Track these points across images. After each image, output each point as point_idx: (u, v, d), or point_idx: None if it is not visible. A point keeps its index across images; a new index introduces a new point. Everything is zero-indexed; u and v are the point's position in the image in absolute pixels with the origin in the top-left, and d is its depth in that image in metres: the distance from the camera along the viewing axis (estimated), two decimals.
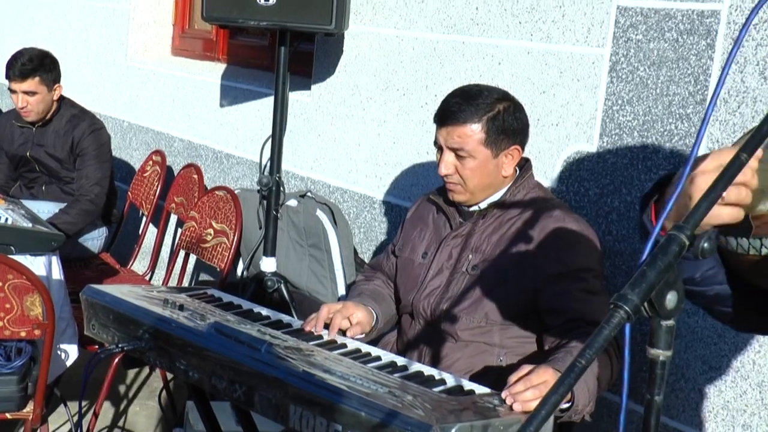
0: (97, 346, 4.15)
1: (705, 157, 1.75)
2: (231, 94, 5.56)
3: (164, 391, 4.86)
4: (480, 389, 2.60)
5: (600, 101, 3.53)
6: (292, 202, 4.58)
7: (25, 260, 3.80)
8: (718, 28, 3.16)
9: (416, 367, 2.79)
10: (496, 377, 2.89)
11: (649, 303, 1.53)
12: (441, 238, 3.21)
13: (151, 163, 5.78)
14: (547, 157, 3.72)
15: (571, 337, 2.84)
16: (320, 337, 3.03)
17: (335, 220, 4.45)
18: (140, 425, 4.83)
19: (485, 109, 3.03)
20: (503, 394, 2.48)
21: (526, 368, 2.55)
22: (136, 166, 6.21)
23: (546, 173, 3.71)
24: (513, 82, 3.82)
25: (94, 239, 5.42)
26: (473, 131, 3.02)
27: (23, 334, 3.51)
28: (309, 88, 4.97)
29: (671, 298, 1.55)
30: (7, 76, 5.21)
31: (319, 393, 2.39)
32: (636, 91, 3.41)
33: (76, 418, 4.07)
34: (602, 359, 2.77)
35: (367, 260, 4.51)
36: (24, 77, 5.14)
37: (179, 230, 5.47)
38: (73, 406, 4.01)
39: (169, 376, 4.82)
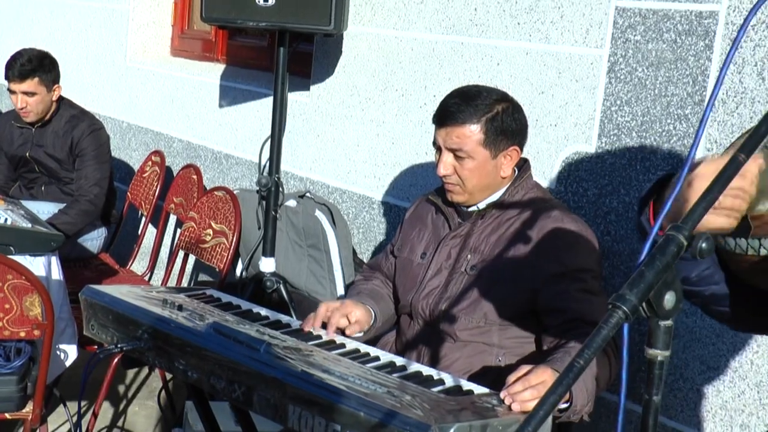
0: (96, 346, 4.15)
1: (702, 161, 1.75)
2: (230, 95, 5.56)
3: (163, 391, 4.86)
4: (478, 389, 2.60)
5: (598, 102, 3.53)
6: (291, 203, 4.59)
7: (25, 260, 3.81)
8: (716, 28, 3.17)
9: (415, 367, 2.80)
10: (494, 377, 2.89)
11: (647, 303, 1.54)
12: (440, 238, 3.22)
13: (150, 163, 5.78)
14: (546, 157, 3.73)
15: (569, 337, 2.84)
16: (319, 337, 3.04)
17: (334, 220, 4.45)
18: (139, 425, 4.83)
19: (484, 110, 3.03)
20: (502, 394, 2.48)
21: (524, 368, 2.55)
22: (136, 167, 6.22)
23: (544, 174, 3.72)
24: (511, 82, 3.83)
25: (94, 239, 5.42)
26: (472, 132, 3.02)
27: (22, 334, 3.52)
28: (308, 89, 4.97)
29: (669, 299, 1.56)
30: (7, 77, 5.22)
31: (317, 393, 2.40)
32: (634, 92, 3.41)
33: (75, 418, 4.08)
34: (601, 359, 2.77)
35: (366, 261, 4.51)
36: (23, 78, 5.14)
37: (178, 230, 5.47)
38: (73, 406, 4.01)
39: (168, 376, 4.82)
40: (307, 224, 4.49)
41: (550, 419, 2.42)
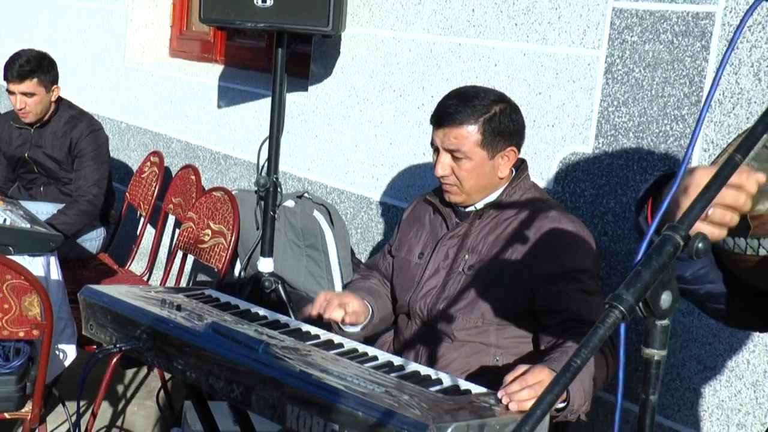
0: (95, 346, 4.16)
1: (695, 169, 1.75)
2: (228, 96, 5.57)
3: (162, 391, 4.86)
4: (476, 389, 2.61)
5: (595, 102, 3.54)
6: (290, 203, 4.59)
7: (24, 261, 3.82)
8: (712, 29, 3.18)
9: (413, 366, 2.80)
10: (492, 377, 2.90)
11: (644, 303, 1.54)
12: (437, 238, 3.23)
13: (149, 164, 5.79)
14: (543, 158, 3.74)
15: (566, 337, 2.85)
16: (317, 336, 3.04)
17: (332, 220, 4.46)
18: (138, 425, 4.84)
19: (481, 111, 3.04)
20: (499, 394, 2.48)
21: (522, 368, 2.55)
22: (134, 167, 6.22)
23: (542, 174, 3.72)
24: (509, 83, 3.84)
25: (93, 240, 5.43)
26: (469, 133, 3.03)
27: (21, 334, 3.53)
28: (306, 90, 4.98)
29: (666, 298, 1.56)
30: (5, 78, 5.22)
31: (316, 393, 2.40)
32: (631, 93, 3.42)
33: (74, 418, 4.09)
34: (598, 359, 2.78)
35: (364, 261, 4.51)
36: (22, 78, 5.15)
37: (177, 231, 5.48)
38: (72, 405, 4.02)
39: (167, 376, 4.83)
40: (305, 224, 4.50)
41: (547, 419, 2.43)
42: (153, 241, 5.54)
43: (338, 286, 4.35)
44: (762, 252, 1.85)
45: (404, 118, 4.38)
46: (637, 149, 3.41)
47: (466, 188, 3.09)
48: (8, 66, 5.21)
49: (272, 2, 4.27)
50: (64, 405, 4.21)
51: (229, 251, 4.61)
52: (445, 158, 3.08)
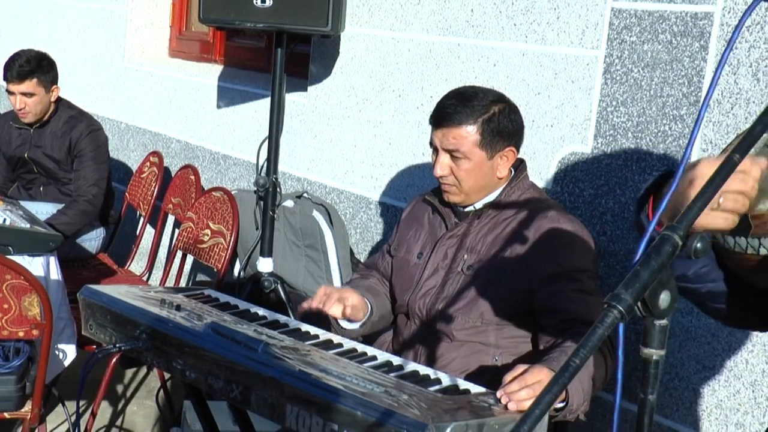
0: (94, 346, 4.16)
1: (698, 162, 1.76)
2: (228, 96, 5.57)
3: (162, 391, 4.86)
4: (475, 389, 2.61)
5: (594, 102, 3.54)
6: (289, 203, 4.60)
7: (23, 261, 3.82)
8: (711, 30, 3.18)
9: (412, 366, 2.80)
10: (491, 377, 2.90)
11: (642, 302, 1.54)
12: (436, 238, 3.23)
13: (148, 164, 5.80)
14: (542, 158, 3.74)
15: (565, 336, 2.85)
16: (316, 336, 3.04)
17: (331, 220, 4.46)
18: (138, 425, 4.84)
19: (480, 111, 3.04)
20: (498, 394, 2.48)
21: (521, 368, 2.55)
22: (134, 167, 6.23)
23: (541, 174, 3.73)
24: (508, 83, 3.84)
25: (92, 240, 5.43)
26: (468, 133, 3.03)
27: (21, 334, 3.53)
28: (305, 90, 4.98)
29: (664, 298, 1.56)
30: (5, 78, 5.23)
31: (315, 392, 2.40)
32: (630, 93, 3.42)
33: (73, 418, 4.09)
34: (596, 359, 2.78)
35: (363, 261, 4.52)
36: (22, 79, 5.15)
37: (176, 231, 5.49)
38: (71, 405, 4.02)
39: (167, 375, 4.83)
40: (304, 224, 4.50)
41: (546, 418, 2.43)
42: (152, 241, 5.54)
43: (337, 285, 4.34)
44: (762, 251, 1.85)
45: (403, 118, 4.39)
46: (635, 149, 3.41)
47: (465, 188, 3.09)
48: (8, 66, 5.21)
49: (271, 2, 4.27)
50: (63, 405, 4.21)
51: (229, 251, 4.62)
52: (444, 158, 3.09)
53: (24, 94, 5.19)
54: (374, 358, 2.87)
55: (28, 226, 4.17)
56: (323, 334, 3.07)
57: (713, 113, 3.18)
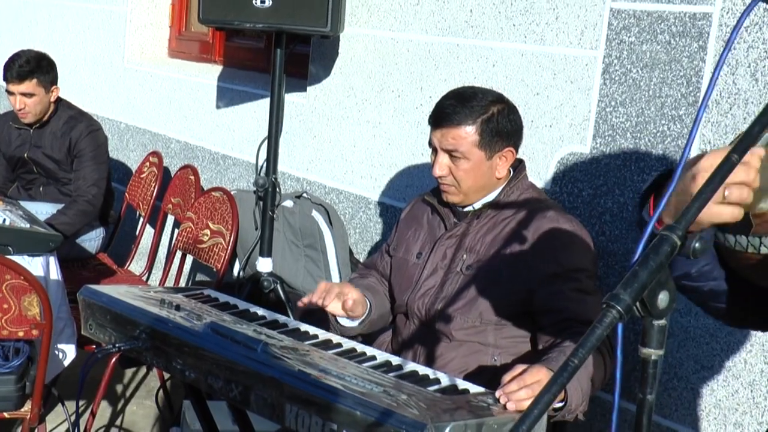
0: (94, 346, 4.16)
1: (700, 156, 1.76)
2: (227, 96, 5.57)
3: (161, 391, 4.87)
4: (474, 388, 2.61)
5: (593, 103, 3.55)
6: (288, 203, 4.60)
7: (23, 261, 3.82)
8: (709, 30, 3.18)
9: (411, 366, 2.80)
10: (490, 377, 2.90)
11: (641, 303, 1.54)
12: (435, 238, 3.23)
13: (148, 164, 5.80)
14: (541, 158, 3.75)
15: (564, 336, 2.85)
16: (316, 336, 3.05)
17: (331, 220, 4.46)
18: (137, 424, 4.84)
19: (479, 112, 3.04)
20: (497, 394, 2.48)
21: (519, 368, 2.56)
22: (133, 168, 6.23)
23: (540, 174, 3.73)
24: (507, 83, 3.85)
25: (92, 240, 5.44)
26: (467, 133, 3.04)
27: (21, 334, 3.53)
28: (305, 90, 4.99)
29: (663, 298, 1.56)
30: (5, 78, 5.23)
31: (314, 392, 2.41)
32: (629, 93, 3.43)
33: (73, 418, 4.09)
34: (595, 359, 2.78)
35: (362, 260, 4.52)
36: (21, 79, 5.16)
37: (176, 231, 5.49)
38: (71, 405, 4.03)
39: (166, 375, 4.84)
40: (303, 224, 4.50)
41: (545, 418, 2.43)
42: (152, 241, 5.55)
43: None
44: (763, 250, 1.85)
45: (402, 118, 4.39)
46: (634, 149, 3.42)
47: (464, 188, 3.10)
48: (8, 66, 5.22)
49: (271, 3, 4.27)
50: (63, 404, 4.22)
51: (228, 251, 4.62)
52: (443, 158, 3.09)
53: (24, 94, 5.20)
54: (373, 357, 2.87)
55: (28, 226, 4.17)
56: (322, 334, 3.08)
57: (712, 113, 3.19)
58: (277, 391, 2.50)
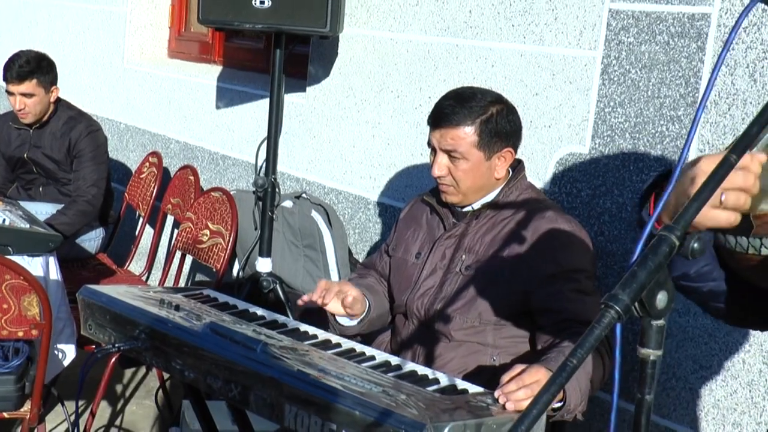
0: (94, 346, 4.17)
1: (699, 159, 1.76)
2: (227, 96, 5.58)
3: (161, 391, 4.88)
4: (473, 388, 2.62)
5: (592, 103, 3.55)
6: (288, 203, 4.61)
7: (23, 261, 3.83)
8: (708, 31, 3.19)
9: (410, 366, 2.81)
10: (489, 377, 2.91)
11: (639, 303, 1.54)
12: (434, 238, 3.24)
13: (147, 164, 5.80)
14: (540, 158, 3.75)
15: (563, 336, 2.86)
16: (315, 336, 3.05)
17: (330, 221, 4.47)
18: (137, 424, 4.84)
19: (478, 112, 3.05)
20: (496, 394, 2.49)
21: (518, 368, 2.56)
22: (133, 168, 6.23)
23: (538, 174, 3.74)
24: (506, 84, 3.85)
25: (91, 240, 5.44)
26: (466, 134, 3.04)
27: (20, 334, 3.54)
28: (304, 90, 4.99)
29: (661, 298, 1.56)
30: (5, 78, 5.23)
31: (313, 392, 2.41)
32: (628, 94, 3.43)
33: (73, 418, 4.10)
34: (594, 359, 2.79)
35: (361, 261, 4.52)
36: (21, 79, 5.16)
37: (175, 231, 5.49)
38: (71, 405, 4.04)
39: (166, 375, 4.84)
40: (303, 225, 4.51)
41: (544, 418, 2.43)
42: (152, 242, 5.55)
43: None
44: (764, 251, 1.85)
45: (402, 118, 4.40)
46: (633, 150, 3.42)
47: (463, 189, 3.10)
48: (7, 67, 5.22)
49: (270, 3, 4.28)
50: (63, 404, 4.23)
51: (228, 251, 4.62)
52: (442, 159, 3.09)
53: (24, 94, 5.20)
54: (372, 358, 2.87)
55: (28, 226, 4.18)
56: (322, 334, 3.08)
57: (710, 114, 3.19)
58: (277, 391, 2.50)
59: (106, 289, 3.28)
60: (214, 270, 4.71)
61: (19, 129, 5.43)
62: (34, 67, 5.20)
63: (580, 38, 3.60)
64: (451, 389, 2.62)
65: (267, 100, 4.62)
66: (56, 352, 4.01)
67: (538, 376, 2.51)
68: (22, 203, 4.96)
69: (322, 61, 4.85)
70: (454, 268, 3.13)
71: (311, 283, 4.45)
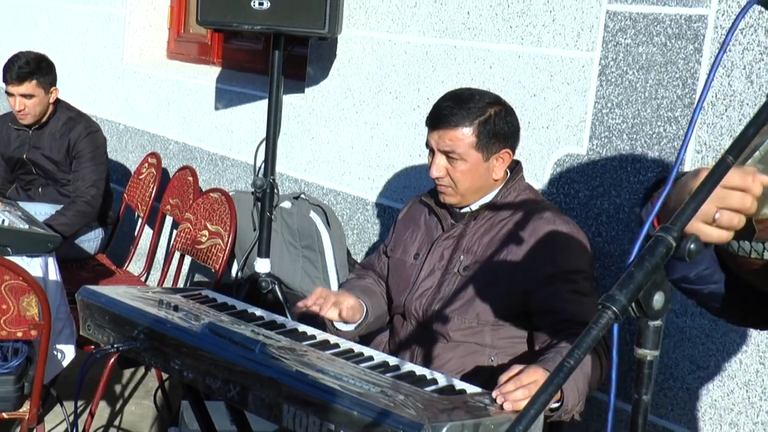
0: (93, 347, 4.17)
1: (699, 171, 1.75)
2: (226, 97, 5.58)
3: (159, 391, 4.88)
4: (471, 389, 2.62)
5: (590, 104, 3.56)
6: (286, 204, 4.61)
7: (22, 261, 3.83)
8: (705, 32, 3.20)
9: (408, 367, 2.81)
10: (487, 377, 2.91)
11: (636, 303, 1.54)
12: (433, 239, 3.24)
13: (146, 165, 5.81)
14: (538, 159, 3.76)
15: (561, 337, 2.86)
16: (313, 337, 3.06)
17: (328, 221, 4.47)
18: (136, 425, 4.85)
19: (477, 113, 3.05)
20: (494, 394, 2.49)
21: (516, 368, 2.57)
22: (132, 169, 6.23)
23: (536, 175, 3.74)
24: (504, 85, 3.86)
25: (90, 241, 5.44)
26: (464, 135, 3.05)
27: (20, 334, 3.54)
28: (303, 91, 5.00)
29: (658, 299, 1.56)
30: (4, 80, 5.24)
31: (312, 392, 2.41)
32: (625, 95, 3.44)
33: (72, 418, 4.10)
34: (592, 359, 2.79)
35: (360, 261, 4.53)
36: (21, 80, 5.17)
37: (174, 232, 5.50)
38: (69, 405, 4.04)
39: (165, 375, 4.84)
40: (301, 225, 4.51)
41: (541, 418, 2.44)
42: (150, 242, 5.55)
43: (334, 286, 4.36)
44: (767, 255, 1.85)
45: (400, 119, 4.40)
46: (630, 151, 3.43)
47: (461, 190, 3.11)
48: (7, 68, 5.23)
49: (269, 5, 4.29)
50: (62, 405, 4.23)
51: (226, 252, 4.63)
52: (440, 160, 3.10)
53: (23, 95, 5.21)
54: (371, 358, 2.88)
55: (27, 226, 4.18)
56: (320, 335, 3.08)
57: (707, 115, 3.20)
58: (275, 391, 2.50)
59: (105, 289, 3.28)
60: (212, 270, 4.71)
61: (18, 130, 5.43)
62: (33, 68, 5.21)
63: (577, 39, 3.61)
64: (449, 389, 2.62)
65: (266, 101, 4.63)
66: (55, 352, 4.01)
67: (536, 376, 2.51)
68: (22, 204, 4.96)
69: (321, 63, 4.86)
70: (452, 269, 3.13)
71: (310, 283, 4.46)
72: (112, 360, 4.25)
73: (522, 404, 2.41)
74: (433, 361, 3.10)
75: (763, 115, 1.65)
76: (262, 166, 4.57)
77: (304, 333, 3.09)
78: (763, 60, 3.06)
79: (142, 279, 5.45)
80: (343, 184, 4.75)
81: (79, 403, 4.68)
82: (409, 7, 4.33)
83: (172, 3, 6.54)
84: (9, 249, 3.94)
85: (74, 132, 5.31)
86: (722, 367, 3.22)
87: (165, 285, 5.19)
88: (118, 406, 5.02)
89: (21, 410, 3.70)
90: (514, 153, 3.16)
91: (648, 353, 1.62)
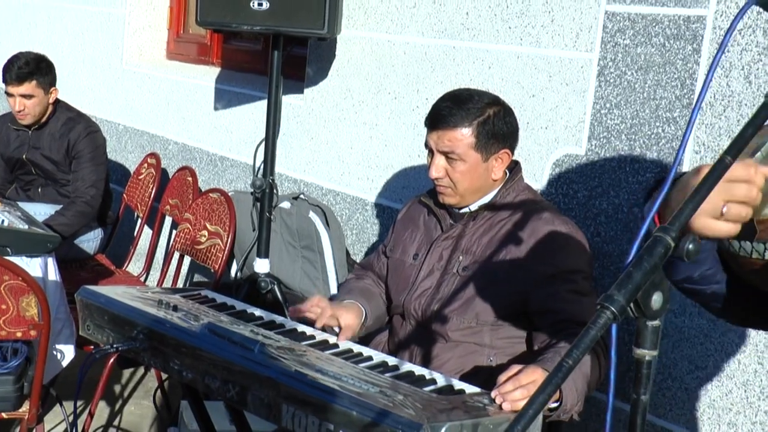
0: (92, 347, 4.17)
1: (699, 168, 1.75)
2: (225, 98, 5.58)
3: (159, 391, 4.88)
4: (470, 389, 2.62)
5: (588, 105, 3.56)
6: (285, 204, 4.62)
7: (22, 261, 3.83)
8: (704, 33, 3.20)
9: (407, 367, 2.82)
10: (486, 377, 2.91)
11: (635, 303, 1.54)
12: (432, 239, 3.24)
13: (146, 165, 5.81)
14: (537, 159, 3.76)
15: (560, 337, 2.86)
16: (312, 337, 3.06)
17: (328, 221, 4.48)
18: (135, 425, 4.85)
19: (476, 114, 3.05)
20: (493, 394, 2.49)
21: (515, 368, 2.57)
22: (132, 169, 6.24)
23: (535, 176, 3.75)
24: (503, 86, 3.86)
25: (90, 241, 5.45)
26: (464, 135, 3.05)
27: (19, 334, 3.54)
28: (302, 92, 5.00)
29: (657, 299, 1.56)
30: (4, 80, 5.24)
31: (311, 392, 2.41)
32: (624, 95, 3.44)
33: (71, 418, 4.10)
34: (590, 359, 2.79)
35: (359, 261, 4.53)
36: (21, 81, 5.17)
37: (174, 232, 5.50)
38: (69, 405, 4.04)
39: (164, 376, 4.84)
40: (301, 225, 4.52)
41: (540, 418, 2.45)
42: (150, 242, 5.55)
43: (333, 286, 4.37)
44: (767, 256, 1.86)
45: (399, 120, 4.40)
46: (629, 151, 3.43)
47: (460, 190, 3.11)
48: (7, 68, 5.23)
49: (268, 5, 4.29)
50: (61, 405, 4.23)
51: (226, 252, 4.63)
52: (440, 160, 3.10)
53: (23, 95, 5.21)
54: (370, 358, 2.88)
55: (27, 227, 4.18)
56: (319, 335, 3.09)
57: (706, 116, 3.20)
58: (274, 391, 2.51)
59: (105, 289, 3.28)
60: (212, 271, 4.72)
61: (18, 130, 5.44)
62: (33, 68, 5.21)
63: (576, 40, 3.61)
64: (448, 389, 2.63)
65: (265, 102, 4.63)
66: (55, 352, 4.01)
67: (535, 376, 2.52)
68: (21, 204, 4.96)
69: (320, 63, 4.86)
70: (452, 269, 3.14)
71: (309, 283, 4.46)
72: (112, 360, 4.25)
73: (521, 404, 2.41)
74: (432, 361, 3.10)
75: (762, 116, 1.65)
76: (262, 167, 4.57)
77: (303, 333, 3.09)
78: (761, 60, 3.07)
79: (142, 279, 5.45)
80: (342, 185, 4.76)
81: (79, 403, 4.68)
82: (408, 8, 4.33)
83: (172, 3, 6.54)
84: (8, 249, 3.94)
85: (74, 132, 5.31)
86: (721, 367, 3.23)
87: (164, 285, 5.19)
88: (117, 406, 5.02)
89: (20, 410, 3.70)
90: (513, 153, 3.16)
91: (646, 353, 1.62)
